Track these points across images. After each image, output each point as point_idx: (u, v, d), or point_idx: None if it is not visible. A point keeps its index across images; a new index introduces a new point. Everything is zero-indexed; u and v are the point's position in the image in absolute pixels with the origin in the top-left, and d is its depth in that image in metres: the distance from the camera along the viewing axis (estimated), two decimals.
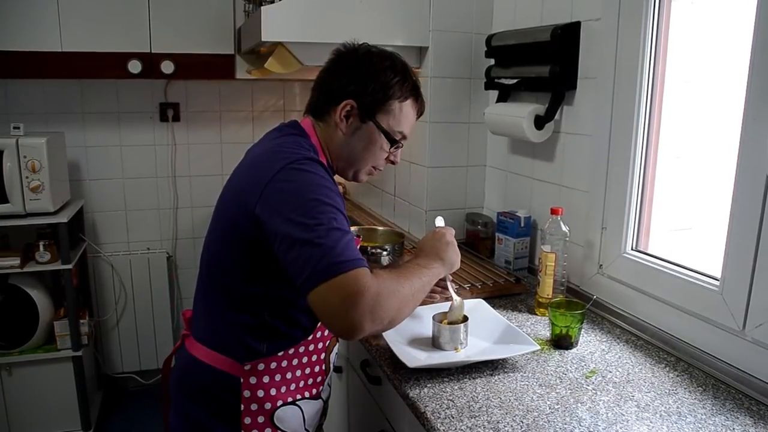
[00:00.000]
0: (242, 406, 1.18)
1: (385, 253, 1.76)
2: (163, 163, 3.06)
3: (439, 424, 1.10)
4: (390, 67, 1.24)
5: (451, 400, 1.19)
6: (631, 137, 1.54)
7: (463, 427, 1.09)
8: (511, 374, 1.30)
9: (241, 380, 1.18)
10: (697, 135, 1.54)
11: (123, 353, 3.08)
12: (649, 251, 1.57)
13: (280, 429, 1.22)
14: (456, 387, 1.24)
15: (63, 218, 2.44)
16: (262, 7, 1.99)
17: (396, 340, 1.39)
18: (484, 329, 1.44)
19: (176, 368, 1.30)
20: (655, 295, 1.49)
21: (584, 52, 1.70)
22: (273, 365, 1.20)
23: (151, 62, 2.67)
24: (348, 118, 1.23)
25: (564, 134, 1.81)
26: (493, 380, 1.27)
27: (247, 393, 1.18)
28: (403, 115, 1.26)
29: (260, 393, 1.19)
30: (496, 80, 2.01)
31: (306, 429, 1.27)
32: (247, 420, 1.19)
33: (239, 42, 2.75)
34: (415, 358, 1.33)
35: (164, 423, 1.37)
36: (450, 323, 1.39)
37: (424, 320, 1.46)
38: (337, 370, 1.83)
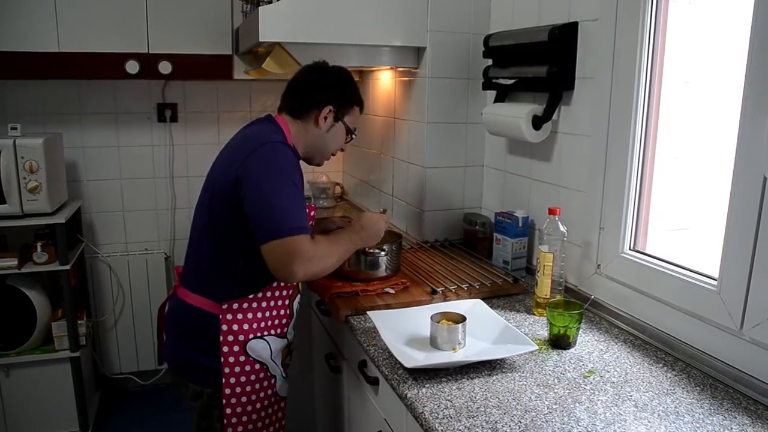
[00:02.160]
0: (221, 338, 1.50)
1: (383, 253, 1.76)
2: (160, 164, 3.06)
3: (437, 425, 1.10)
4: (352, 82, 1.66)
5: (449, 401, 1.19)
6: (628, 137, 1.55)
7: (461, 427, 1.09)
8: (509, 374, 1.30)
9: (220, 317, 1.50)
10: (695, 135, 1.54)
11: (121, 354, 3.08)
12: (646, 251, 1.57)
13: (252, 357, 1.53)
14: (454, 387, 1.24)
15: (60, 219, 2.44)
16: (259, 8, 1.99)
17: (394, 340, 1.40)
18: (482, 329, 1.44)
19: (169, 312, 1.64)
20: (652, 294, 1.49)
21: (582, 52, 1.70)
22: (245, 305, 1.52)
23: (148, 63, 2.67)
24: (326, 119, 1.60)
25: (562, 134, 1.81)
26: (491, 380, 1.27)
27: (224, 327, 1.50)
28: (356, 116, 1.69)
29: (235, 327, 1.51)
30: (493, 80, 2.02)
31: (272, 360, 1.58)
32: (225, 348, 1.50)
33: (237, 42, 2.75)
34: (413, 358, 1.33)
35: (158, 356, 1.76)
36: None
37: (421, 320, 1.46)
38: (335, 370, 1.84)
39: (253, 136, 1.51)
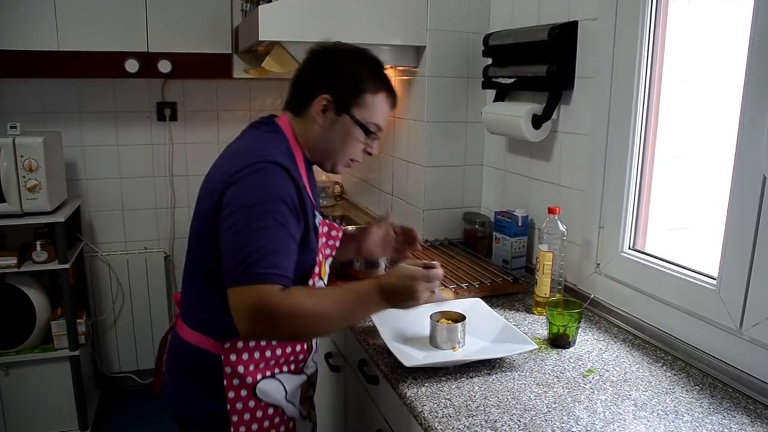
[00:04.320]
0: (225, 382, 1.25)
1: None
2: (160, 163, 3.06)
3: (436, 423, 1.10)
4: (359, 61, 1.29)
5: (448, 399, 1.19)
6: (628, 136, 1.55)
7: (460, 426, 1.09)
8: (509, 373, 1.30)
9: (222, 358, 1.24)
10: (695, 134, 1.54)
11: (120, 353, 3.08)
12: (646, 250, 1.57)
13: (263, 401, 1.28)
14: (453, 386, 1.24)
15: (60, 218, 2.44)
16: (259, 7, 1.99)
17: (393, 339, 1.40)
18: (482, 328, 1.45)
19: (169, 348, 1.39)
20: (652, 294, 1.49)
21: (581, 51, 1.70)
22: (251, 343, 1.26)
23: (148, 61, 2.67)
24: (324, 112, 1.27)
25: (561, 133, 1.81)
26: (491, 379, 1.27)
27: (228, 369, 1.24)
28: (377, 107, 1.30)
29: (240, 369, 1.25)
30: (493, 79, 2.02)
31: (288, 400, 1.32)
32: (231, 394, 1.25)
33: (236, 41, 2.75)
34: (413, 357, 1.33)
35: (155, 384, 1.49)
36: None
37: (421, 319, 1.46)
38: (335, 369, 1.84)
39: (241, 153, 1.22)
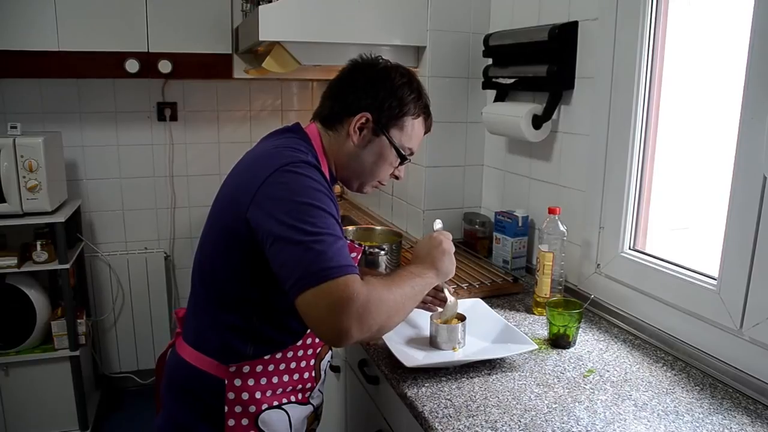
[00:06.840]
0: (226, 408, 1.17)
1: (382, 252, 1.76)
2: (160, 163, 3.06)
3: (436, 424, 1.10)
4: (407, 84, 1.26)
5: (448, 400, 1.19)
6: (628, 137, 1.55)
7: (460, 427, 1.09)
8: (509, 374, 1.30)
9: (226, 382, 1.17)
10: (695, 135, 1.54)
11: (120, 353, 3.08)
12: (646, 251, 1.57)
13: None
14: (454, 386, 1.24)
15: (60, 218, 2.44)
16: (259, 7, 1.99)
17: (394, 339, 1.39)
18: (482, 329, 1.45)
19: (167, 368, 1.31)
20: (652, 294, 1.49)
21: (582, 51, 1.70)
22: (259, 368, 1.19)
23: (148, 62, 2.67)
24: (362, 131, 1.24)
25: (561, 134, 1.81)
26: (491, 380, 1.27)
27: (231, 395, 1.17)
28: (414, 131, 1.29)
29: (245, 395, 1.18)
30: (493, 80, 2.02)
31: None
32: (231, 422, 1.18)
33: (237, 41, 2.75)
34: (413, 357, 1.34)
35: (156, 406, 1.38)
36: (443, 323, 1.40)
37: (422, 320, 1.46)
38: (335, 369, 1.83)
39: (261, 160, 1.14)
